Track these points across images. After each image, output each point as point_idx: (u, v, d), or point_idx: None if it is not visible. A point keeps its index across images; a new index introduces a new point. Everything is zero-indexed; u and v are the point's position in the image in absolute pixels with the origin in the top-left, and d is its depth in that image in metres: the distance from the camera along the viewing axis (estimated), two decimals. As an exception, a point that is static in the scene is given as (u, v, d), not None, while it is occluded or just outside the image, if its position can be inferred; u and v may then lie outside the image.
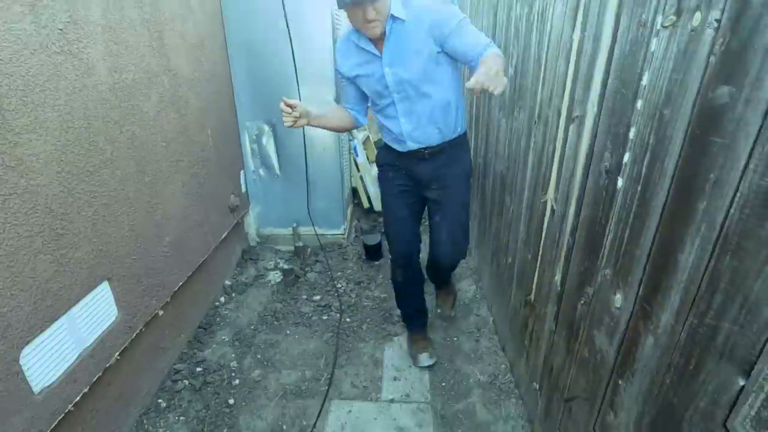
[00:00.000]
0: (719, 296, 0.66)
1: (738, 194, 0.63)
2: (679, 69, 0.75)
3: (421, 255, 1.73)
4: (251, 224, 2.63)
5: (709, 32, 0.68)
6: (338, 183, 2.58)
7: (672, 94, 0.77)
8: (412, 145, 1.52)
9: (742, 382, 0.62)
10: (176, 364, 1.75)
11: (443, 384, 1.66)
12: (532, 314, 1.47)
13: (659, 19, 0.80)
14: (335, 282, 2.32)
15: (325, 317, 2.07)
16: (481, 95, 2.17)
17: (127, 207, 1.42)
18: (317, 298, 2.21)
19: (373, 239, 2.55)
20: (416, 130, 1.49)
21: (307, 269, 2.45)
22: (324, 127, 1.59)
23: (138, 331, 1.48)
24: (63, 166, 1.15)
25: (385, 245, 2.44)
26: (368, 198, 3.23)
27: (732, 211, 0.64)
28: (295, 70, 2.24)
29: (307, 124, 1.47)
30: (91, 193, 1.26)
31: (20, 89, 1.02)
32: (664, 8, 0.78)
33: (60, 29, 1.14)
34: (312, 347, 1.87)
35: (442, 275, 1.90)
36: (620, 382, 0.93)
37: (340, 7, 1.33)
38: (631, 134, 0.90)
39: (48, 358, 1.11)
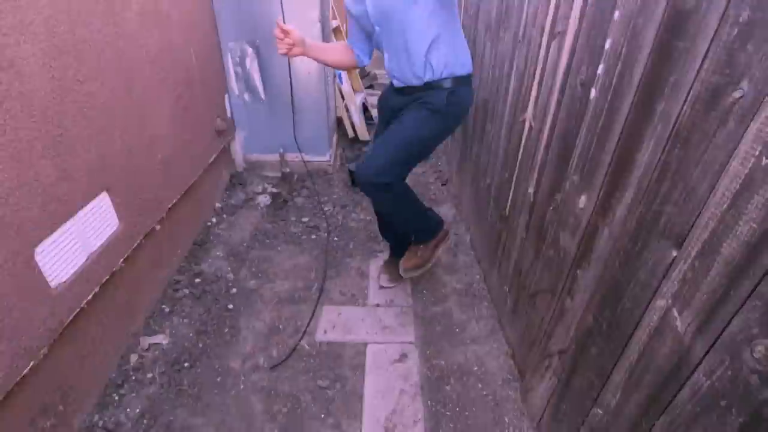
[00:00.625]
0: (666, 184, 0.78)
1: (691, 92, 0.72)
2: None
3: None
4: (237, 150, 2.65)
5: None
6: (323, 110, 2.57)
7: (647, 2, 0.83)
8: (397, 83, 1.50)
9: (675, 253, 0.75)
10: (175, 276, 1.86)
11: (424, 291, 1.84)
12: (506, 227, 1.61)
13: (643, -74, 0.83)
14: (322, 206, 2.42)
15: (314, 236, 2.18)
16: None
17: (118, 121, 1.43)
18: (305, 219, 2.31)
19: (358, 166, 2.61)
20: (396, 66, 1.44)
21: (294, 194, 2.53)
22: (320, 60, 1.55)
23: (138, 242, 1.56)
24: (53, 72, 1.15)
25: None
26: (353, 127, 3.24)
27: (684, 108, 0.74)
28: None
29: (302, 54, 1.43)
30: (82, 102, 1.26)
31: (0, -13, 0.99)
32: None
33: None
34: (302, 262, 2.00)
35: (369, 193, 1.50)
36: (578, 272, 1.08)
37: None
38: (607, 45, 0.96)
39: (60, 258, 1.19)
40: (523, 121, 1.43)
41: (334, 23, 2.94)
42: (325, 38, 2.41)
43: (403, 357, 1.53)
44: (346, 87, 3.08)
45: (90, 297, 1.30)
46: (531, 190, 1.37)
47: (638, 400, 0.82)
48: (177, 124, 1.85)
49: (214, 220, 2.25)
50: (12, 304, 1.03)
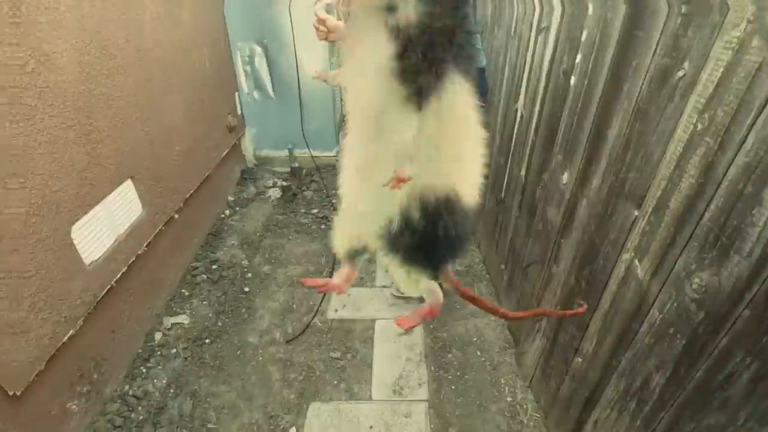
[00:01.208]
0: (629, 153, 0.89)
1: (648, 73, 0.84)
2: (618, -26, 0.91)
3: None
4: (248, 146, 2.78)
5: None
6: (330, 106, 2.70)
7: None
8: None
9: (636, 212, 0.87)
10: (193, 262, 1.99)
11: (426, 274, 1.95)
12: (502, 210, 1.72)
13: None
14: (331, 198, 2.54)
15: (323, 226, 2.31)
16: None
17: (140, 113, 1.57)
18: (315, 211, 2.44)
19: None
20: None
21: (303, 188, 2.66)
22: None
23: (159, 229, 1.69)
24: (83, 67, 1.28)
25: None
26: (358, 125, 3.36)
27: (643, 86, 0.85)
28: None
29: (340, 38, 1.52)
30: (109, 95, 1.40)
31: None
32: None
33: (70, -63, 1.21)
34: (313, 249, 2.12)
35: None
36: (562, 240, 1.19)
37: None
38: (583, 37, 1.07)
39: (92, 238, 1.32)
40: (515, 110, 1.55)
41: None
42: (330, 39, 2.54)
43: (409, 330, 1.65)
44: (350, 86, 3.20)
45: (119, 276, 1.44)
46: (522, 173, 1.48)
47: (610, 343, 0.93)
48: (192, 119, 1.99)
49: (227, 212, 2.39)
50: (53, 275, 1.16)
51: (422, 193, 0.73)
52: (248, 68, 2.52)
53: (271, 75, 2.54)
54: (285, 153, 2.77)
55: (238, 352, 1.58)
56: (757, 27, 0.61)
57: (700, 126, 0.70)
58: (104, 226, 1.37)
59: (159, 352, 1.58)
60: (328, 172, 2.83)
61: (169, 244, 1.82)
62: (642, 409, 0.84)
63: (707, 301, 0.68)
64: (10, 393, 1.04)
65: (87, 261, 1.29)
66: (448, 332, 1.64)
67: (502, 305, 1.72)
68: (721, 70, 0.67)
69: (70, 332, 1.22)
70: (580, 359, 1.06)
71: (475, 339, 1.60)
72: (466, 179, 0.75)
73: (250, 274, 1.94)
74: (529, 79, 1.43)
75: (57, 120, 1.18)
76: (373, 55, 0.65)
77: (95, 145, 1.33)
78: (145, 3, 1.63)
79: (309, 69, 2.54)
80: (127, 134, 1.49)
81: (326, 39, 1.44)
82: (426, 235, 0.76)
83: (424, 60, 0.62)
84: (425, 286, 0.92)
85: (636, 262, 0.85)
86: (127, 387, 1.46)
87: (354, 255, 0.94)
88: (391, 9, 0.62)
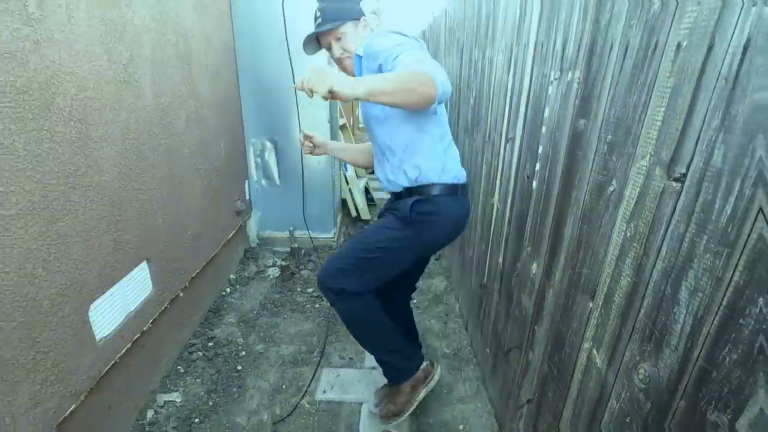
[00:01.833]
0: (582, 251, 1.04)
1: (588, 185, 1.02)
2: (562, 106, 1.15)
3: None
4: (252, 227, 2.97)
5: (575, 85, 1.08)
6: (330, 193, 2.94)
7: (559, 122, 1.17)
8: (384, 186, 1.46)
9: (591, 304, 0.99)
10: (191, 339, 2.05)
11: (416, 355, 2.00)
12: (485, 293, 1.83)
13: (552, 73, 1.20)
14: (326, 278, 2.66)
15: (317, 305, 2.40)
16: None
17: (161, 203, 1.76)
18: (310, 290, 2.54)
19: (359, 242, 2.91)
20: (379, 169, 1.45)
21: (301, 267, 2.79)
22: (342, 159, 1.68)
23: (165, 306, 1.80)
24: (121, 168, 1.50)
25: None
26: (356, 207, 3.59)
27: (586, 196, 1.03)
28: (296, 95, 2.63)
29: (324, 153, 1.60)
30: (138, 190, 1.60)
31: (98, 109, 1.37)
32: (554, 67, 1.18)
33: (124, 64, 1.50)
34: (306, 328, 2.19)
35: (326, 297, 1.44)
36: (536, 327, 1.29)
37: (308, 54, 1.47)
38: (540, 150, 1.29)
39: (105, 315, 1.42)
40: (492, 204, 1.74)
41: (341, 121, 3.44)
42: (333, 135, 2.86)
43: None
44: (350, 173, 3.50)
45: (122, 352, 1.51)
46: (500, 260, 1.63)
47: (581, 430, 1.00)
48: (205, 205, 2.19)
49: (228, 290, 2.49)
50: (67, 351, 1.25)
51: None
52: (259, 160, 2.80)
53: (278, 165, 2.82)
54: (286, 234, 2.95)
55: (227, 434, 1.59)
56: (657, 160, 0.79)
57: (629, 233, 0.86)
58: (117, 305, 1.48)
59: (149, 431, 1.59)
60: (325, 252, 2.98)
61: (171, 321, 1.90)
62: (609, 493, 0.89)
63: (651, 392, 0.78)
64: (8, 469, 1.07)
65: (98, 337, 1.38)
66: (434, 418, 1.66)
67: (488, 391, 1.75)
68: (638, 189, 0.85)
69: (72, 406, 1.28)
70: (555, 444, 1.11)
71: (461, 427, 1.62)
72: None
73: (244, 353, 2.00)
74: (501, 178, 1.64)
75: (94, 213, 1.36)
76: None
77: (121, 233, 1.50)
78: (181, 109, 1.91)
79: (312, 159, 2.81)
80: (148, 221, 1.66)
81: (310, 153, 1.59)
82: None
83: None
84: None
85: (594, 351, 0.96)
86: (113, 470, 1.46)
87: None
88: None
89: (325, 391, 1.79)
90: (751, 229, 0.59)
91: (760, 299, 0.58)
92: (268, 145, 2.76)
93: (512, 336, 1.49)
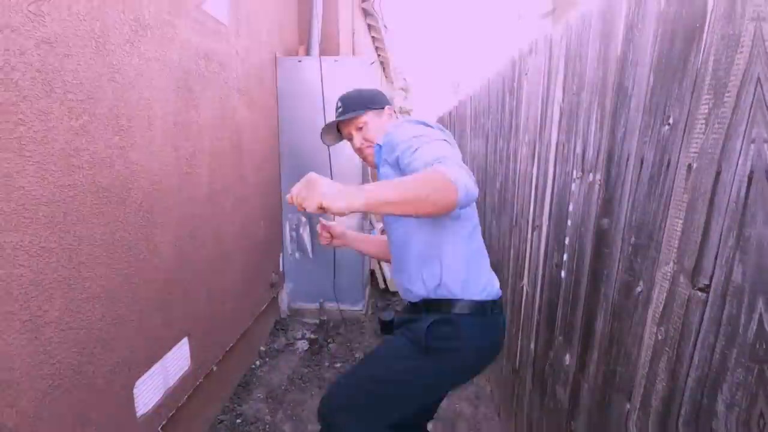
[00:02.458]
0: (614, 348, 1.05)
1: (617, 282, 1.06)
2: (585, 203, 1.22)
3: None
4: (284, 299, 3.05)
5: (597, 186, 1.16)
6: (359, 266, 3.03)
7: (583, 218, 1.23)
8: (401, 292, 1.33)
9: (628, 405, 0.98)
10: (220, 415, 2.06)
11: (446, 443, 1.92)
12: (518, 380, 1.79)
13: (574, 172, 1.29)
14: (354, 352, 2.65)
15: (344, 383, 2.37)
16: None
17: (206, 279, 1.88)
18: (338, 365, 2.53)
19: (387, 315, 2.87)
20: (397, 275, 1.31)
21: (329, 340, 2.80)
22: (364, 252, 1.57)
23: (199, 381, 1.84)
24: (175, 251, 1.64)
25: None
26: (384, 279, 3.64)
27: (615, 293, 1.06)
28: (331, 176, 2.83)
29: (343, 245, 1.50)
30: (190, 272, 1.73)
31: (162, 199, 1.55)
32: (576, 167, 1.28)
33: (187, 159, 1.71)
34: (334, 407, 2.16)
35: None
36: (572, 422, 1.26)
37: (326, 143, 1.41)
38: (567, 241, 1.35)
39: (148, 391, 1.48)
40: (522, 287, 1.77)
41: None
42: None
43: None
44: (379, 245, 3.60)
45: (159, 428, 1.55)
46: (532, 346, 1.62)
47: None
48: (244, 279, 2.30)
49: (258, 362, 2.52)
50: (111, 427, 1.30)
51: None
52: (293, 234, 2.95)
53: (312, 239, 2.96)
54: (316, 306, 3.01)
55: None
56: (680, 267, 0.84)
57: (659, 336, 0.88)
58: (158, 381, 1.54)
59: None
60: (353, 325, 3.00)
61: (203, 396, 1.93)
62: None
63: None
64: None
65: (138, 414, 1.44)
66: None
67: (525, 487, 1.65)
68: (665, 294, 0.88)
69: (107, 488, 1.30)
70: None
71: None
72: None
73: (271, 433, 1.98)
74: (530, 263, 1.68)
75: (149, 293, 1.48)
76: None
77: (168, 311, 1.60)
78: (230, 193, 2.10)
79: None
80: (193, 299, 1.77)
81: (328, 244, 1.46)
82: None
83: None
84: None
85: (632, 455, 0.93)
86: None
87: None
88: None
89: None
90: (777, 351, 0.62)
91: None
92: (303, 220, 2.93)
93: (549, 429, 1.44)
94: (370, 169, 3.27)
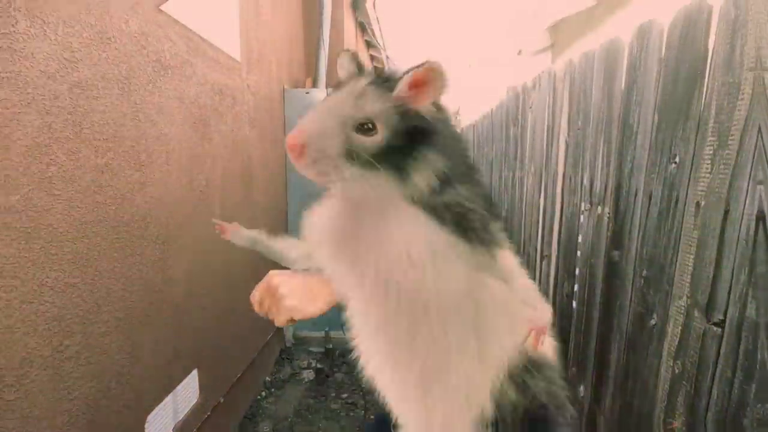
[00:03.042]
0: (630, 381, 1.06)
1: (630, 314, 1.07)
2: (594, 235, 1.24)
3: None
4: (289, 327, 3.03)
5: (605, 219, 1.19)
6: (365, 292, 3.02)
7: (593, 249, 1.26)
8: None
9: (646, 439, 0.98)
10: (226, 449, 2.02)
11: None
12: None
13: (582, 204, 1.33)
14: (360, 382, 2.61)
15: (351, 413, 2.34)
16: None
17: (216, 309, 1.88)
18: (345, 396, 2.50)
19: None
20: None
21: (335, 369, 2.77)
22: None
23: (207, 414, 1.82)
24: (187, 281, 1.65)
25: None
26: (389, 306, 3.63)
27: (628, 325, 1.07)
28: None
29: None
30: (199, 299, 1.74)
31: (176, 230, 1.58)
32: (584, 199, 1.31)
33: (201, 190, 1.75)
34: (342, 440, 2.12)
35: None
36: (589, 456, 1.25)
37: None
38: (577, 272, 1.37)
39: (158, 425, 1.47)
40: (531, 316, 1.77)
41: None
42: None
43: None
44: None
45: (166, 465, 1.52)
46: (544, 377, 1.61)
47: None
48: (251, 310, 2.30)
49: (263, 393, 2.48)
50: (122, 465, 1.29)
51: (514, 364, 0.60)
52: (300, 260, 2.96)
53: (318, 266, 2.96)
54: (321, 334, 2.99)
55: None
56: (694, 302, 0.86)
57: (676, 370, 0.89)
58: (169, 415, 1.53)
59: None
60: (360, 353, 2.97)
61: (211, 429, 1.90)
62: None
63: None
64: None
65: (147, 449, 1.42)
66: None
67: None
68: (680, 327, 0.89)
69: None
70: None
71: None
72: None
73: (279, 467, 1.94)
74: (539, 290, 1.69)
75: (162, 325, 1.48)
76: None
77: (179, 342, 1.60)
78: (239, 219, 2.13)
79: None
80: (202, 329, 1.77)
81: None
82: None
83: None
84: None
85: (653, 491, 0.93)
86: None
87: None
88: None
89: None
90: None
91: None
92: (310, 247, 2.95)
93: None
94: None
